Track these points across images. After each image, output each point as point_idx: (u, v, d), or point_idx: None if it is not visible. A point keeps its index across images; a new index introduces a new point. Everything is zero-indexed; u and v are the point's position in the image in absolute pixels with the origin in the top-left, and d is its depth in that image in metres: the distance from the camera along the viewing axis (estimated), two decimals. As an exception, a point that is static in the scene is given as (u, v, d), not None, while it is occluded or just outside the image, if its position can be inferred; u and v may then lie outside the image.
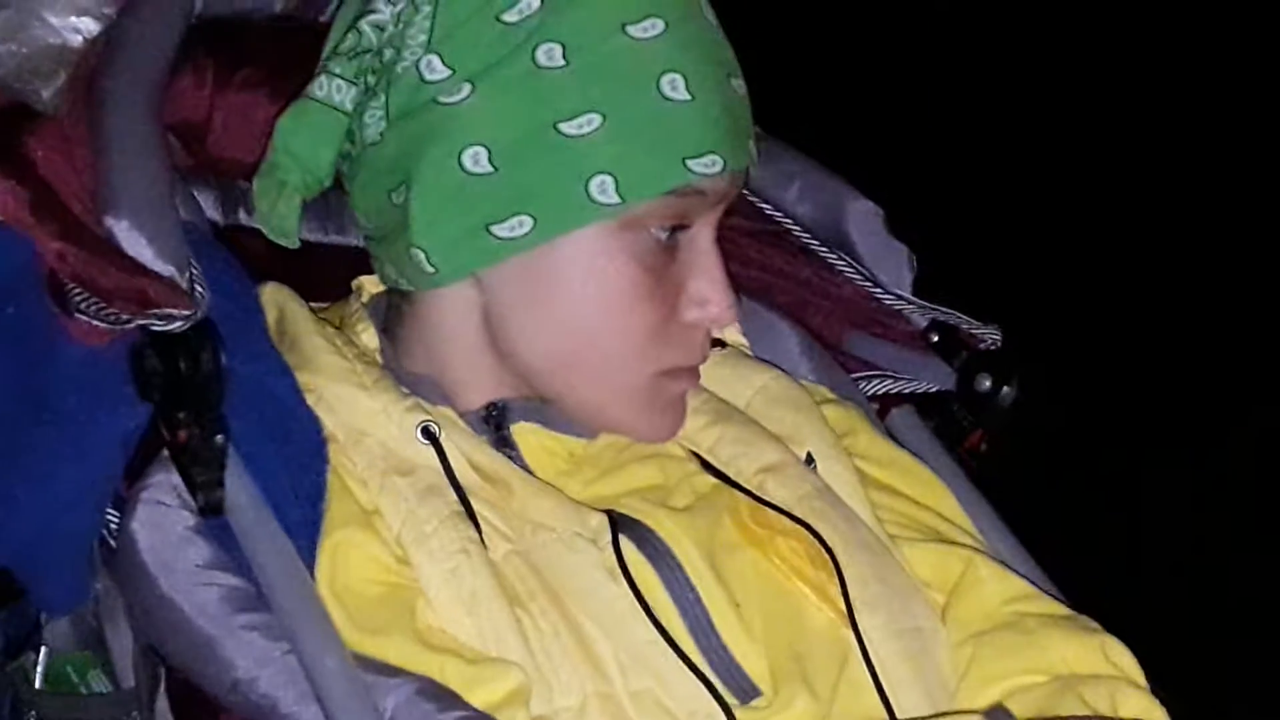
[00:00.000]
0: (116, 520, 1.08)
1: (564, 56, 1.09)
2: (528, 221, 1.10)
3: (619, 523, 1.13)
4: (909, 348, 1.37)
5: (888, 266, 1.37)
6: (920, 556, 1.23)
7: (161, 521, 1.06)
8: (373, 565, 1.08)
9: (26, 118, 1.16)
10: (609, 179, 1.09)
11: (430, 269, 1.13)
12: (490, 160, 1.10)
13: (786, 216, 1.39)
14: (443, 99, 1.11)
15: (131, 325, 1.05)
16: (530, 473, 1.15)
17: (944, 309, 1.36)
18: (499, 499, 1.12)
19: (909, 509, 1.27)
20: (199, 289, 1.07)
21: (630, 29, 1.10)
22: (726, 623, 1.12)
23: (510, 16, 1.10)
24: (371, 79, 1.13)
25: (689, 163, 1.10)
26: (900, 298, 1.37)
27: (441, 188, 1.11)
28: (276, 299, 1.20)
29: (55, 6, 1.20)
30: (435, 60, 1.11)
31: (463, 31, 1.11)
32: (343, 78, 1.13)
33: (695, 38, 1.12)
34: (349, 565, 1.08)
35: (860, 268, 1.37)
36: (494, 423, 1.17)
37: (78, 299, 1.07)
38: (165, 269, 1.06)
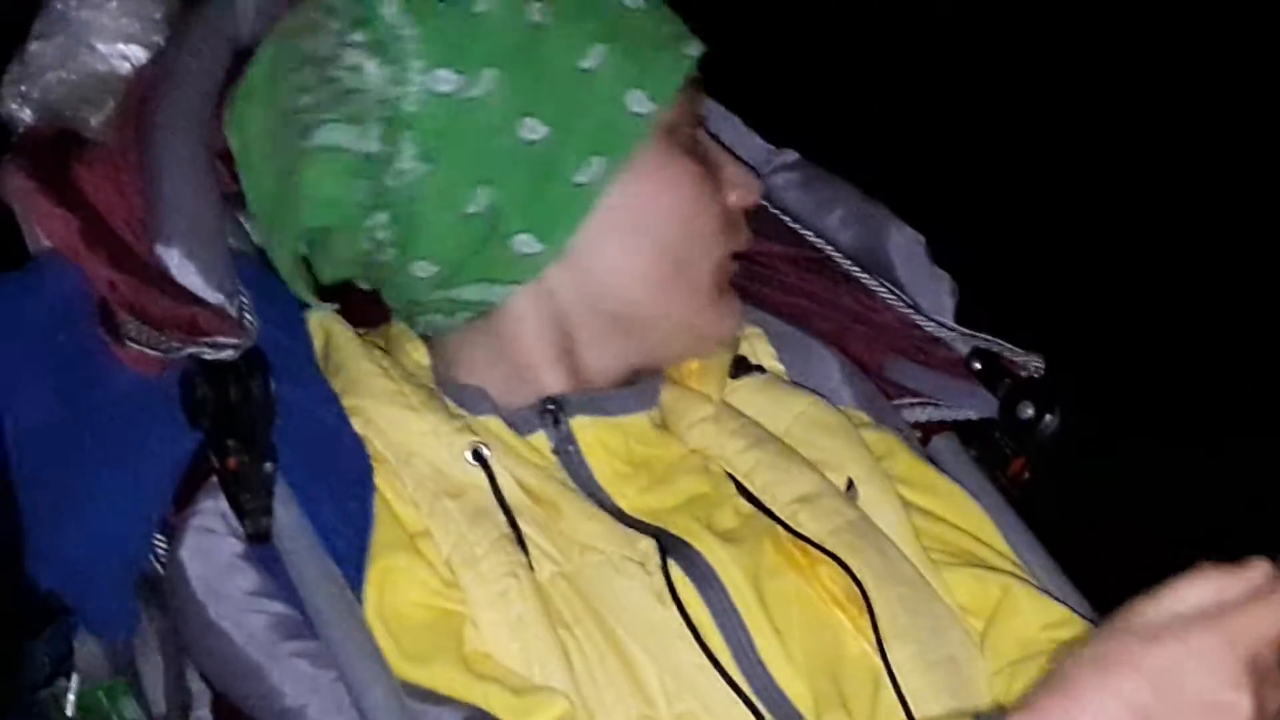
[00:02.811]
0: (164, 546, 1.09)
1: (548, 13, 1.15)
2: (598, 160, 1.15)
3: (666, 545, 1.13)
4: (951, 375, 1.37)
5: (929, 294, 1.37)
6: (958, 581, 1.23)
7: (210, 549, 1.07)
8: (420, 589, 1.09)
9: (76, 145, 1.18)
10: (638, 92, 1.16)
11: (538, 246, 1.15)
12: (543, 122, 1.14)
13: (828, 243, 1.39)
14: (473, 98, 1.13)
15: (182, 353, 1.06)
16: (590, 473, 1.16)
17: (986, 336, 1.36)
18: (547, 520, 1.13)
19: (947, 533, 1.27)
20: (248, 317, 1.07)
21: None
22: (769, 647, 1.12)
23: (479, 7, 1.14)
24: (378, 128, 1.13)
25: (683, 51, 1.19)
26: (942, 325, 1.37)
27: (519, 168, 1.14)
28: (323, 324, 1.20)
29: (104, 34, 1.21)
30: (444, 73, 1.13)
31: (453, 36, 1.13)
32: (342, 122, 1.13)
33: None
34: (396, 591, 1.08)
35: (902, 295, 1.37)
36: (551, 417, 1.18)
37: (128, 327, 1.08)
38: (215, 297, 1.07)
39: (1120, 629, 0.91)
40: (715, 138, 1.28)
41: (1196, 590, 0.90)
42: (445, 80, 1.13)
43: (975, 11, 3.99)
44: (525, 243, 1.15)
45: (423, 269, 1.17)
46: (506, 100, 1.14)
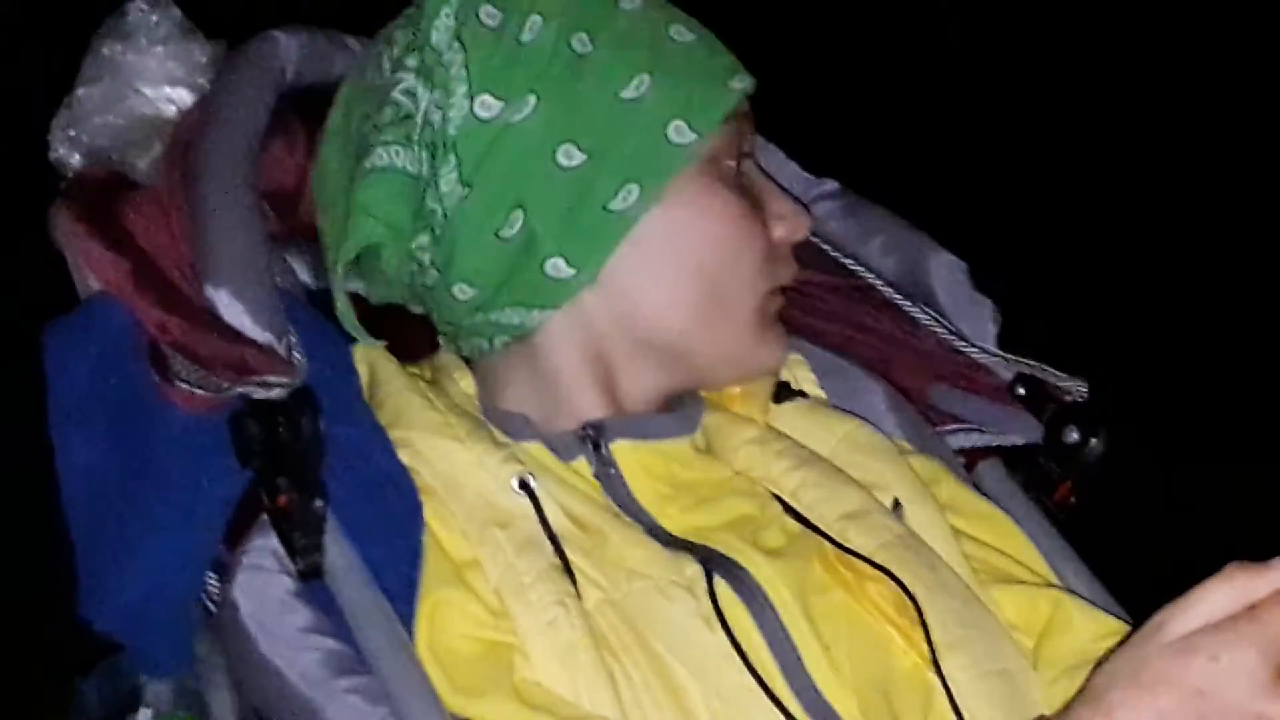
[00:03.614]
0: (216, 584, 1.10)
1: (590, 41, 1.16)
2: (634, 188, 1.16)
3: (713, 562, 1.14)
4: (995, 401, 1.37)
5: (972, 320, 1.38)
6: (1008, 598, 1.23)
7: (262, 586, 1.07)
8: (470, 622, 1.09)
9: (124, 188, 1.19)
10: (680, 122, 1.17)
11: (570, 271, 1.16)
12: (580, 149, 1.15)
13: (870, 271, 1.40)
14: (513, 123, 1.15)
15: (232, 393, 1.07)
16: (632, 496, 1.17)
17: (1030, 362, 1.36)
18: (593, 546, 1.13)
19: (992, 557, 1.27)
20: (297, 355, 1.08)
21: (621, 4, 1.19)
22: (818, 665, 1.12)
23: (527, 36, 1.16)
24: (425, 152, 1.16)
25: (729, 84, 1.19)
26: (985, 351, 1.37)
27: (554, 192, 1.15)
28: (368, 358, 1.21)
29: (150, 78, 1.23)
30: (486, 98, 1.15)
31: (497, 63, 1.15)
32: (396, 144, 1.16)
33: (659, 2, 1.22)
34: (447, 625, 1.09)
35: (944, 321, 1.38)
36: (591, 442, 1.18)
37: (179, 367, 1.09)
38: (264, 336, 1.08)
39: (1153, 640, 0.91)
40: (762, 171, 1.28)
41: (1223, 593, 0.90)
42: (487, 106, 1.15)
43: (976, 12, 3.98)
44: (558, 267, 1.16)
45: (462, 291, 1.18)
46: (545, 126, 1.15)
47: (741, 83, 1.20)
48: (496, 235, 1.16)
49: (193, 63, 1.24)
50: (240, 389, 1.07)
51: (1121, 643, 0.97)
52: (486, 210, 1.16)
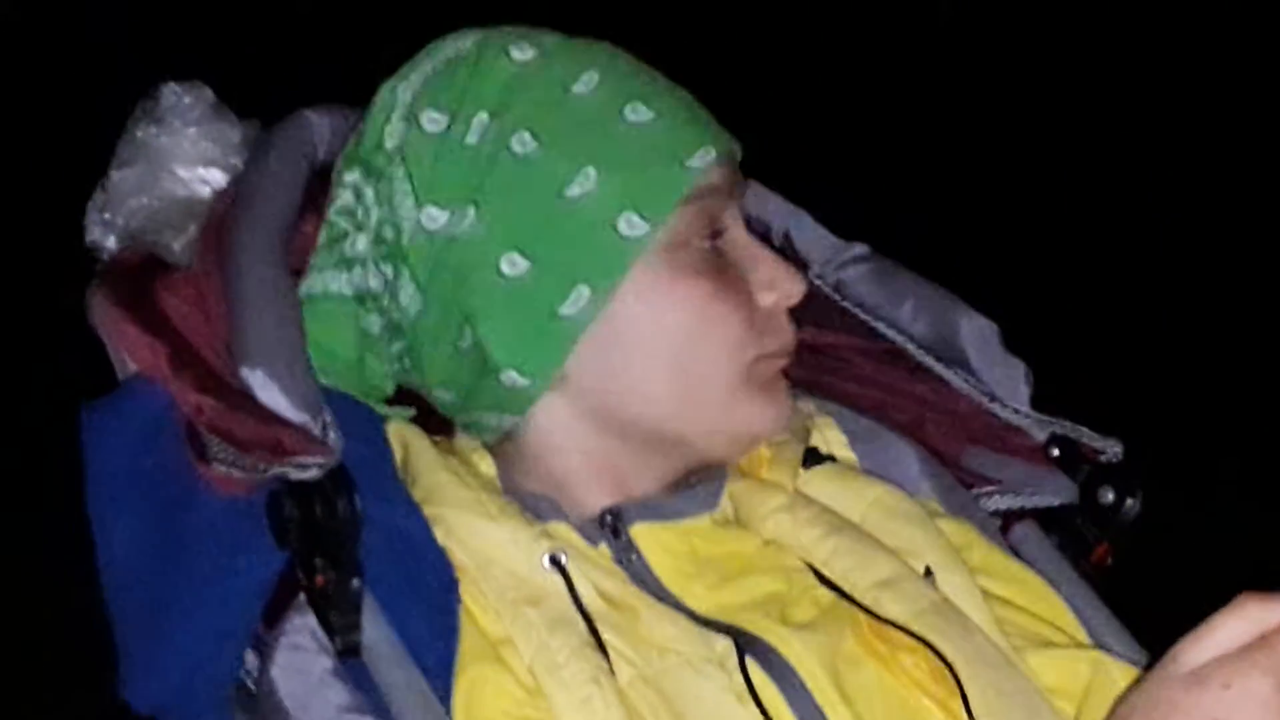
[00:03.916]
0: (255, 663, 1.10)
1: (534, 138, 1.14)
2: (584, 289, 1.14)
3: (742, 643, 1.14)
4: (1029, 462, 1.37)
5: (1004, 382, 1.37)
6: (1045, 663, 1.22)
7: (301, 665, 1.08)
8: (506, 699, 1.09)
9: (160, 270, 1.20)
10: (630, 214, 1.14)
11: (525, 381, 1.16)
12: (524, 256, 1.14)
13: (901, 334, 1.40)
14: (457, 234, 1.14)
15: (268, 474, 1.08)
16: (656, 579, 1.17)
17: (1064, 422, 1.36)
18: (625, 624, 1.13)
19: (1026, 621, 1.26)
20: (332, 435, 1.09)
21: (574, 89, 1.16)
22: None
23: (471, 139, 1.15)
24: (387, 265, 1.16)
25: (687, 164, 1.15)
26: (1018, 412, 1.37)
27: (498, 304, 1.14)
28: (401, 434, 1.22)
29: (184, 159, 1.24)
30: (431, 210, 1.15)
31: (440, 173, 1.15)
32: (327, 268, 1.18)
33: (627, 70, 1.18)
34: (484, 702, 1.09)
35: (977, 383, 1.38)
36: (611, 528, 1.18)
37: (215, 449, 1.09)
38: (299, 417, 1.09)
39: (1168, 672, 0.92)
40: (767, 235, 1.28)
41: (1236, 624, 0.91)
42: (433, 217, 1.15)
43: (976, 15, 3.97)
44: (512, 378, 1.16)
45: (443, 394, 1.19)
46: (486, 236, 1.14)
47: (704, 158, 1.16)
48: (455, 346, 1.16)
49: (226, 143, 1.25)
50: (276, 470, 1.07)
51: (1140, 678, 0.98)
52: (441, 323, 1.16)
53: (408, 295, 1.16)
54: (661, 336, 1.16)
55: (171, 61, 1.48)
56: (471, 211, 1.14)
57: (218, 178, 1.24)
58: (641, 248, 1.14)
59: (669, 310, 1.16)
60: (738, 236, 1.20)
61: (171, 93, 1.24)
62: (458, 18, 1.23)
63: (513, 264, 1.14)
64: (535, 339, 1.15)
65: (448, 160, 1.15)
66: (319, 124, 1.26)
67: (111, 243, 1.23)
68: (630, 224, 1.14)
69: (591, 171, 1.14)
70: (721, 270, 1.18)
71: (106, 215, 1.23)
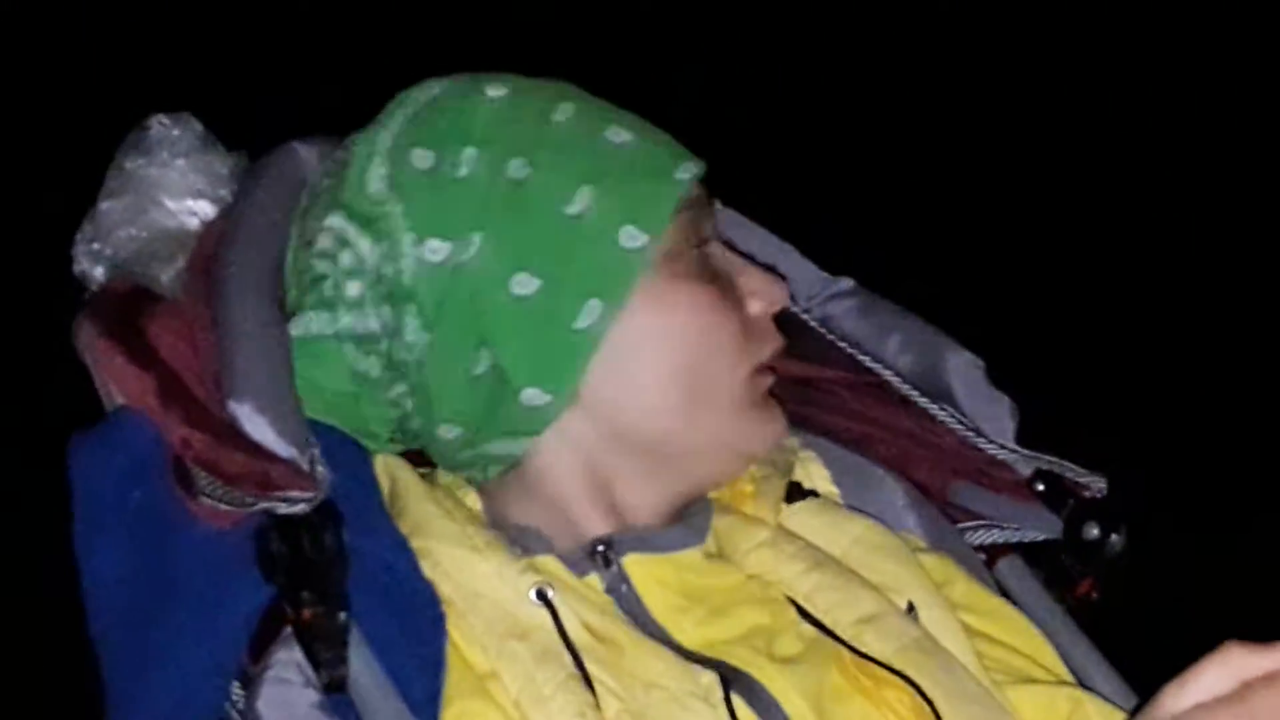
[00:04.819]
0: (241, 696, 1.10)
1: (528, 164, 1.16)
2: (595, 303, 1.16)
3: (728, 677, 1.14)
4: (1014, 497, 1.37)
5: (990, 417, 1.38)
6: (1025, 698, 1.22)
7: (286, 699, 1.08)
8: None
9: (148, 302, 1.20)
10: (629, 227, 1.17)
11: (546, 398, 1.17)
12: (533, 275, 1.15)
13: (887, 368, 1.40)
14: (463, 262, 1.15)
15: (255, 508, 1.08)
16: (646, 611, 1.17)
17: (1049, 458, 1.36)
18: (611, 658, 1.13)
19: (1007, 656, 1.27)
20: (320, 469, 1.09)
21: (553, 117, 1.19)
22: None
23: (463, 171, 1.16)
24: (385, 306, 1.17)
25: (675, 176, 1.19)
26: (1004, 447, 1.37)
27: (514, 324, 1.16)
28: (388, 467, 1.22)
29: (172, 191, 1.24)
30: (433, 242, 1.16)
31: (439, 206, 1.16)
32: (308, 309, 1.18)
33: (594, 102, 1.22)
34: None
35: (962, 418, 1.38)
36: (602, 558, 1.18)
37: (202, 482, 1.09)
38: (287, 451, 1.09)
39: (1150, 718, 0.92)
40: (751, 257, 1.29)
41: (1218, 672, 0.91)
42: (435, 250, 1.16)
43: (975, 10, 3.97)
44: (533, 396, 1.17)
45: (448, 431, 1.19)
46: (495, 260, 1.16)
47: (687, 171, 1.20)
48: (468, 375, 1.17)
49: (214, 175, 1.25)
50: (264, 504, 1.07)
51: None
52: (454, 353, 1.16)
53: (413, 331, 1.16)
54: (672, 344, 1.19)
55: (159, 92, 1.48)
56: (476, 238, 1.16)
57: (206, 209, 1.24)
58: (644, 259, 1.17)
59: (676, 317, 1.19)
60: (716, 249, 1.23)
61: (159, 124, 1.24)
62: (435, 57, 1.24)
63: (523, 284, 1.16)
64: (554, 354, 1.16)
65: (444, 193, 1.16)
66: (306, 155, 1.27)
67: (99, 273, 1.22)
68: (631, 237, 1.17)
69: (587, 190, 1.16)
70: (715, 277, 1.21)
71: (95, 246, 1.23)
